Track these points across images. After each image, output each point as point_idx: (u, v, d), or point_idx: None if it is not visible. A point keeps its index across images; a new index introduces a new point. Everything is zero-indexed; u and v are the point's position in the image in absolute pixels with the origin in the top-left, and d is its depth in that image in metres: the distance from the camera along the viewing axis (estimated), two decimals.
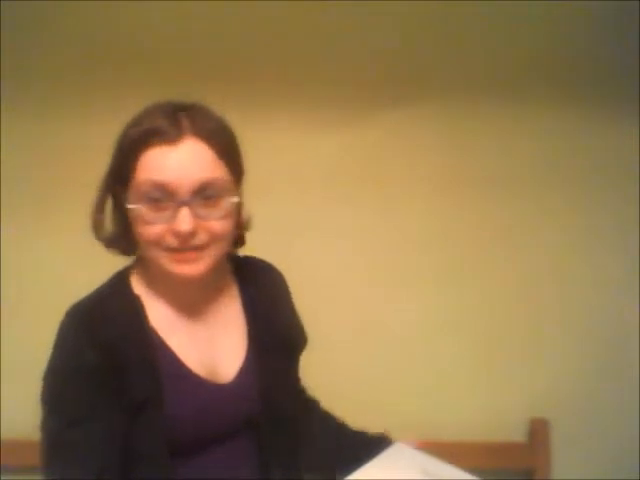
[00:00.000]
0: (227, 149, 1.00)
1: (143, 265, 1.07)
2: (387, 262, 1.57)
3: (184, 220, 0.94)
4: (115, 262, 1.12)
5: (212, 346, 1.06)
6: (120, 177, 0.99)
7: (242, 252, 1.21)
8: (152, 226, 0.95)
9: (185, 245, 0.96)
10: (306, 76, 1.51)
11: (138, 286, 1.05)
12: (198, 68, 1.48)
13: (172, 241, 0.95)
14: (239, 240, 1.14)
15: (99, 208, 1.04)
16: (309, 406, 1.23)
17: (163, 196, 0.95)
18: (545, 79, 1.53)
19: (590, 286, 1.58)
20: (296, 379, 1.21)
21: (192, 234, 0.95)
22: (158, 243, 0.96)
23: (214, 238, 0.98)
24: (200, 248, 0.97)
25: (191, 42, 1.48)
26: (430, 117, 1.54)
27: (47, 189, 1.50)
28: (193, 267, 0.97)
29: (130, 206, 0.96)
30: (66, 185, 1.48)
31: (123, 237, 1.04)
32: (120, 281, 1.06)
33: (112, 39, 1.47)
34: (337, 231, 1.56)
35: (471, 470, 1.20)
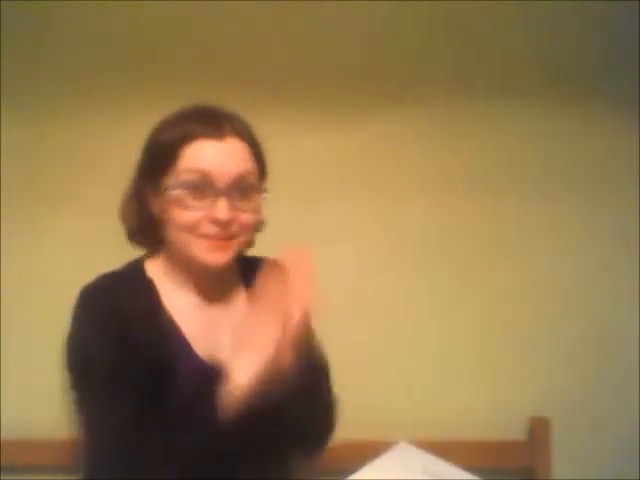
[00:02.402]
0: (259, 152, 1.09)
1: (161, 254, 1.12)
2: (387, 262, 1.57)
3: (223, 209, 1.00)
4: (120, 257, 1.13)
5: (219, 336, 1.09)
6: (156, 168, 1.04)
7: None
8: (190, 212, 1.01)
9: (222, 233, 1.02)
10: (304, 77, 1.51)
11: (152, 271, 1.11)
12: (197, 70, 1.48)
13: (209, 228, 1.02)
14: (249, 242, 1.16)
15: (129, 199, 1.10)
16: None
17: (203, 185, 1.01)
18: (545, 79, 1.53)
19: (590, 285, 1.58)
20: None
21: (228, 223, 1.01)
22: (193, 229, 1.02)
23: (243, 230, 1.05)
24: (231, 237, 1.04)
25: (191, 44, 1.48)
26: (429, 118, 1.54)
27: (48, 190, 1.50)
28: (221, 256, 1.04)
29: (172, 191, 1.01)
30: (67, 186, 1.48)
31: (146, 231, 1.10)
32: (133, 267, 1.12)
33: (114, 40, 1.47)
34: (336, 231, 1.55)
35: (471, 469, 1.20)
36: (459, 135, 1.54)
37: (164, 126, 1.06)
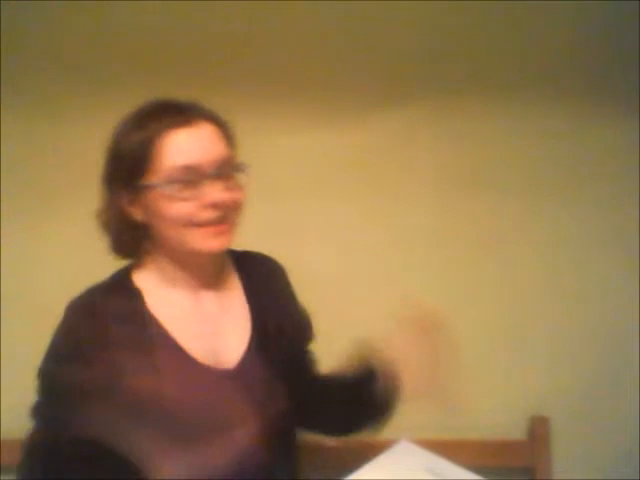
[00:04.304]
0: (227, 131, 1.07)
1: (148, 261, 1.10)
2: (388, 262, 1.57)
3: (218, 191, 1.00)
4: (116, 263, 1.12)
5: (216, 332, 1.08)
6: (130, 171, 1.01)
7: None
8: (185, 203, 0.99)
9: (220, 216, 1.01)
10: (304, 77, 1.51)
11: (140, 279, 1.08)
12: (198, 69, 1.48)
13: (207, 214, 1.00)
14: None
15: (107, 211, 1.07)
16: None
17: (191, 175, 0.99)
18: (545, 79, 1.54)
19: (591, 285, 1.59)
20: (307, 368, 1.23)
21: (225, 204, 1.01)
22: (190, 220, 1.00)
23: (236, 208, 1.05)
24: (229, 219, 1.03)
25: (191, 43, 1.48)
26: (429, 117, 1.54)
27: (48, 191, 1.50)
28: (224, 239, 1.03)
29: (164, 187, 0.99)
30: (67, 187, 1.48)
31: (127, 238, 1.07)
32: (121, 275, 1.10)
33: (115, 41, 1.47)
34: (335, 231, 1.56)
35: (471, 468, 1.20)
36: (461, 134, 1.55)
37: (127, 129, 1.03)
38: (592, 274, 1.58)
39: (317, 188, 1.54)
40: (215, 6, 1.47)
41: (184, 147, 1.00)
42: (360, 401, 1.15)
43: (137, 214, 1.04)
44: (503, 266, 1.58)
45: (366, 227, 1.56)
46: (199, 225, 1.01)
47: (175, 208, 1.00)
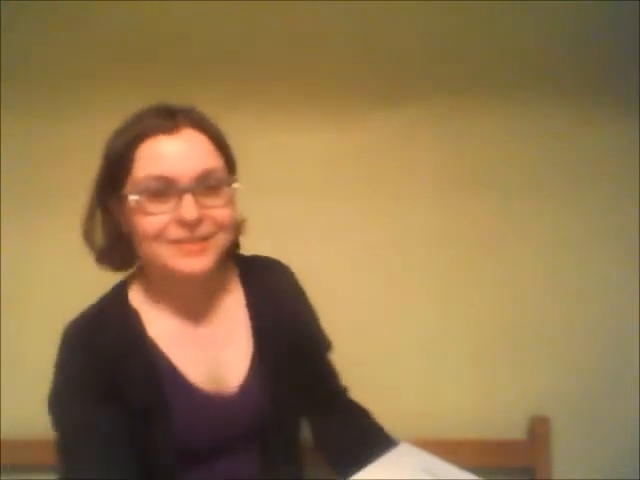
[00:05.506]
0: (221, 141, 0.98)
1: (142, 276, 1.04)
2: (387, 262, 1.57)
3: (189, 208, 0.90)
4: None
5: (216, 353, 1.03)
6: (114, 178, 0.95)
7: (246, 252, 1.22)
8: (155, 217, 0.91)
9: (191, 235, 0.92)
10: (304, 76, 1.51)
11: (137, 298, 1.02)
12: (198, 69, 1.48)
13: (177, 232, 0.92)
14: (234, 245, 1.11)
15: (90, 217, 1.00)
16: (344, 407, 1.21)
17: (165, 188, 0.91)
18: (545, 79, 1.53)
19: (591, 285, 1.58)
20: (322, 381, 1.18)
21: (198, 223, 0.91)
22: (160, 236, 0.92)
23: (219, 227, 0.95)
24: (205, 238, 0.93)
25: (191, 43, 1.48)
26: (429, 117, 1.54)
27: (48, 191, 1.50)
28: (199, 261, 0.93)
29: (131, 197, 0.91)
30: (67, 187, 1.47)
31: (116, 250, 1.00)
32: (117, 295, 1.03)
33: (114, 41, 1.47)
34: (335, 231, 1.56)
35: (471, 468, 1.20)
36: (461, 134, 1.54)
37: (115, 134, 0.97)
38: (592, 274, 1.58)
39: (317, 188, 1.54)
40: (215, 6, 1.46)
41: (160, 156, 0.91)
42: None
43: (124, 220, 0.97)
44: (503, 266, 1.58)
45: (366, 227, 1.56)
46: (170, 242, 0.92)
47: (146, 221, 0.92)
